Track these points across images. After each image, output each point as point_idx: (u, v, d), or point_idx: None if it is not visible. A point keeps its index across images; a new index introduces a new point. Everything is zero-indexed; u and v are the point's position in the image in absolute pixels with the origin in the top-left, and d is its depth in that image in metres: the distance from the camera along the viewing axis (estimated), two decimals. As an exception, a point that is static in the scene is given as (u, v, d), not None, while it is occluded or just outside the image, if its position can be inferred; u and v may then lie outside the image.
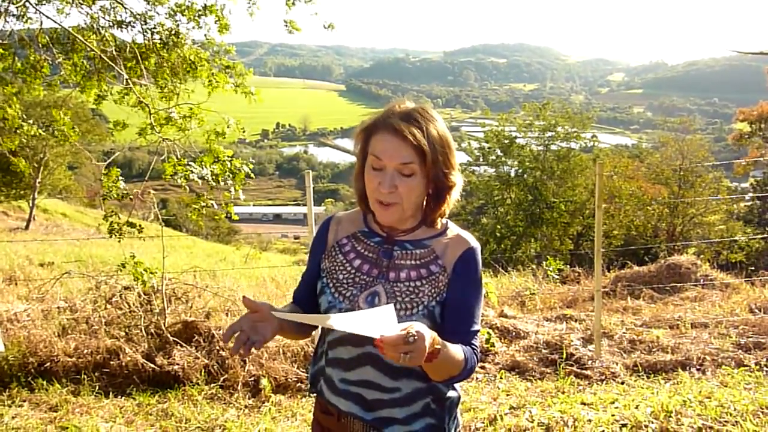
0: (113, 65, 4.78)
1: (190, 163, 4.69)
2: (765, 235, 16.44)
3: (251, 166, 4.97)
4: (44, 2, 4.79)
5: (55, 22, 4.87)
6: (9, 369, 4.06)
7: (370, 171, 1.44)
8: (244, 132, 5.30)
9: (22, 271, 7.47)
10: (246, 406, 3.81)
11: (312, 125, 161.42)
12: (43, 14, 4.77)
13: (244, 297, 1.37)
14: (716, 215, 19.61)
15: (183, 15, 4.95)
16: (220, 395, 3.92)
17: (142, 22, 5.00)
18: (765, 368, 4.14)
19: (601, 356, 4.50)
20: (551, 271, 7.56)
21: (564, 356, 4.51)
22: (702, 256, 12.06)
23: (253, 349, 1.34)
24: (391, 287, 1.47)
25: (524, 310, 6.11)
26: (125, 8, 4.99)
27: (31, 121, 4.88)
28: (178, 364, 4.11)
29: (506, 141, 20.61)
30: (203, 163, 4.67)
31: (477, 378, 4.30)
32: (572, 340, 4.76)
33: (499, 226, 19.60)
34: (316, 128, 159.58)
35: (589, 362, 4.43)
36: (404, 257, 1.50)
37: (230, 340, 1.33)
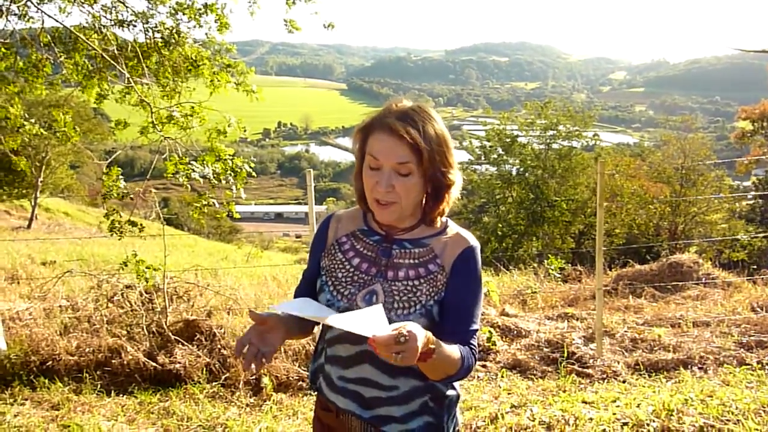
0: (115, 64, 4.78)
1: (191, 162, 4.69)
2: (767, 234, 16.42)
3: (252, 165, 4.98)
4: (46, 1, 4.80)
5: (57, 21, 4.87)
6: (11, 367, 4.07)
7: (367, 170, 1.45)
8: (245, 131, 5.29)
9: (24, 270, 7.48)
10: (247, 405, 3.81)
11: (313, 124, 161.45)
12: (45, 13, 4.78)
13: (250, 311, 1.37)
14: (718, 214, 19.58)
15: (184, 14, 4.95)
16: (221, 394, 3.93)
17: (144, 21, 5.01)
18: (767, 367, 4.14)
19: (603, 355, 4.49)
20: (553, 270, 7.56)
21: (565, 355, 4.51)
22: (704, 254, 12.06)
23: (264, 361, 1.35)
24: (389, 286, 1.47)
25: (526, 308, 6.11)
26: (127, 7, 5.00)
27: (33, 121, 4.89)
28: (179, 363, 4.12)
29: (508, 140, 20.57)
30: (205, 162, 4.68)
31: (478, 376, 4.30)
32: (573, 339, 4.76)
33: (500, 225, 19.57)
34: (317, 127, 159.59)
35: (591, 361, 4.43)
36: (403, 256, 1.51)
37: (242, 354, 1.34)
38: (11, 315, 4.61)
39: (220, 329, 4.41)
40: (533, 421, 3.24)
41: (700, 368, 4.26)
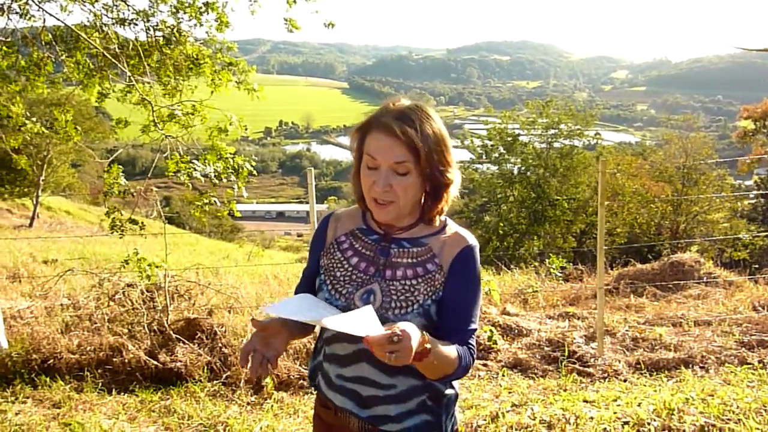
0: (116, 63, 4.78)
1: (193, 160, 4.70)
2: (769, 233, 16.39)
3: (253, 164, 4.98)
4: (47, 0, 4.80)
5: (58, 19, 4.87)
6: (12, 366, 4.08)
7: (365, 170, 1.45)
8: (246, 129, 5.29)
9: (25, 269, 7.50)
10: (248, 403, 3.81)
11: (315, 123, 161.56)
12: (46, 12, 4.78)
13: (252, 320, 1.38)
14: (720, 213, 19.56)
15: (185, 12, 4.95)
16: (222, 392, 3.93)
17: (145, 20, 5.00)
18: (768, 366, 4.13)
19: (604, 354, 4.49)
20: (554, 269, 7.55)
21: (566, 354, 4.51)
22: (705, 253, 12.05)
23: (270, 367, 1.36)
24: (387, 285, 1.47)
25: (527, 307, 6.11)
26: (128, 6, 5.00)
27: (34, 119, 4.90)
28: (180, 361, 4.12)
29: (509, 138, 20.56)
30: (206, 161, 4.68)
31: (479, 375, 4.30)
32: (575, 338, 4.76)
33: (501, 224, 19.57)
34: (319, 126, 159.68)
35: (592, 360, 4.43)
36: (401, 255, 1.50)
37: (247, 361, 1.36)
38: (13, 313, 4.62)
39: (221, 328, 4.41)
40: (534, 419, 3.23)
41: (701, 367, 4.26)
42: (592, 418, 3.21)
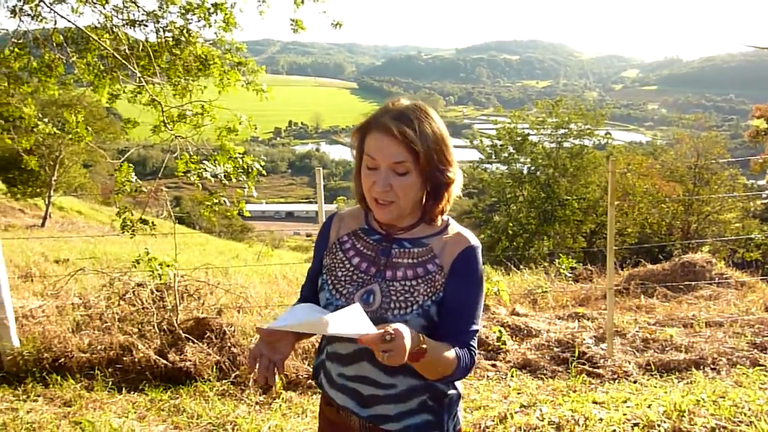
0: (126, 64, 4.82)
1: (203, 161, 4.72)
2: (782, 233, 16.22)
3: (262, 163, 5.00)
4: (58, 2, 4.84)
5: (69, 21, 4.92)
6: (24, 364, 4.11)
7: (365, 170, 1.45)
8: (256, 129, 5.32)
9: (37, 268, 7.56)
10: (257, 403, 3.83)
11: (324, 123, 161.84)
12: (58, 14, 4.82)
13: (257, 328, 1.38)
14: (732, 213, 19.39)
15: (194, 13, 4.97)
16: (231, 392, 3.95)
17: (155, 21, 5.04)
18: (781, 368, 4.09)
19: (614, 355, 4.46)
20: (564, 269, 7.52)
21: (576, 355, 4.48)
22: (717, 254, 11.95)
23: (276, 371, 1.38)
24: (387, 286, 1.47)
25: (536, 308, 6.08)
26: (138, 7, 5.03)
27: (46, 120, 4.94)
28: (190, 361, 4.14)
29: (519, 138, 20.51)
30: (216, 162, 4.70)
31: (488, 376, 4.29)
32: (584, 339, 4.73)
33: (511, 224, 19.52)
34: (328, 126, 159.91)
35: (602, 361, 4.40)
36: (402, 255, 1.50)
37: (255, 367, 1.37)
38: (24, 312, 4.66)
39: (231, 327, 4.43)
40: (543, 421, 3.22)
41: (712, 369, 4.22)
42: (601, 419, 3.19)
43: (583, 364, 4.38)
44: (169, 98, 5.20)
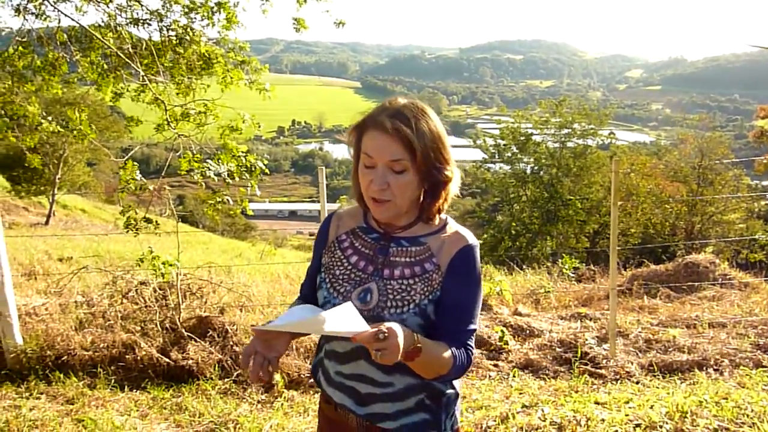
0: (130, 62, 4.82)
1: (206, 160, 4.72)
2: (786, 234, 16.15)
3: (266, 162, 5.00)
4: (62, 0, 4.85)
5: (73, 20, 4.93)
6: (27, 362, 4.13)
7: (362, 169, 1.45)
8: (260, 127, 5.32)
9: (41, 266, 7.59)
10: (259, 402, 3.83)
11: (327, 122, 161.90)
12: (62, 12, 4.83)
13: (253, 327, 1.38)
14: (736, 213, 19.30)
15: (197, 12, 4.98)
16: (233, 390, 3.95)
17: (158, 20, 5.04)
18: (784, 369, 4.07)
19: (616, 355, 4.46)
20: (566, 269, 7.51)
21: (578, 355, 4.48)
22: (721, 254, 11.90)
23: (270, 369, 1.38)
24: (384, 285, 1.47)
25: (539, 308, 6.08)
26: (141, 6, 5.04)
27: (50, 119, 4.95)
28: (192, 359, 4.15)
29: (522, 138, 20.45)
30: (220, 161, 4.71)
31: (489, 376, 4.28)
32: (587, 339, 4.72)
33: (514, 224, 19.48)
34: (331, 125, 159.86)
35: (604, 361, 4.39)
36: (399, 254, 1.50)
37: (249, 364, 1.37)
38: (28, 310, 4.68)
39: (233, 326, 4.44)
40: (544, 421, 3.22)
41: (715, 370, 4.21)
42: (603, 420, 3.18)
43: (586, 364, 4.37)
44: (173, 97, 5.21)
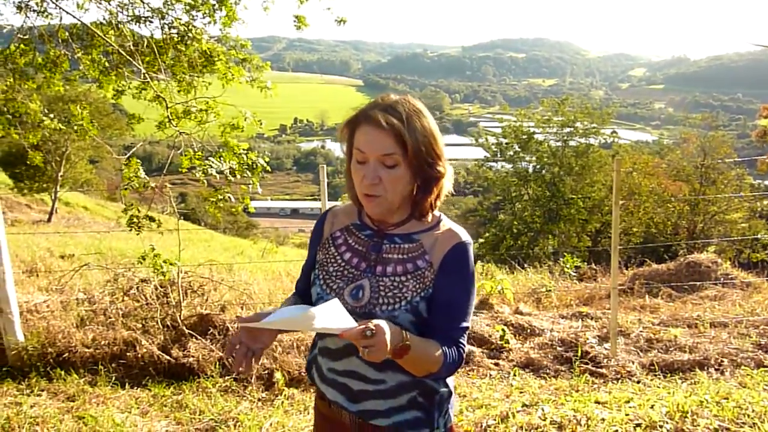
0: (131, 60, 4.82)
1: (208, 157, 4.73)
2: (789, 234, 16.11)
3: (267, 160, 5.00)
4: (64, -2, 4.85)
5: (75, 17, 4.93)
6: (28, 359, 4.14)
7: (355, 165, 1.45)
8: (262, 125, 5.32)
9: (43, 263, 7.60)
10: (259, 399, 3.84)
11: (329, 120, 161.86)
12: (63, 10, 4.84)
13: (238, 317, 1.39)
14: (738, 213, 19.24)
15: (198, 10, 4.98)
16: (234, 388, 3.96)
17: (160, 17, 5.04)
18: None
19: (617, 355, 4.45)
20: (568, 268, 7.50)
21: (579, 354, 4.47)
22: (723, 254, 11.88)
23: (253, 361, 1.39)
24: (377, 281, 1.47)
25: (540, 307, 6.07)
26: (143, 3, 5.04)
27: (52, 116, 4.96)
28: (193, 357, 4.15)
29: (524, 136, 20.41)
30: (222, 159, 4.71)
31: (490, 374, 4.28)
32: (588, 338, 4.72)
33: (516, 222, 19.45)
34: (333, 123, 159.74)
35: (605, 361, 4.39)
36: (392, 251, 1.50)
37: (232, 353, 1.38)
38: (29, 307, 4.68)
39: (234, 324, 4.44)
40: (544, 420, 3.21)
41: (716, 370, 4.20)
42: (603, 419, 3.18)
43: (586, 363, 4.37)
44: (174, 94, 5.21)
